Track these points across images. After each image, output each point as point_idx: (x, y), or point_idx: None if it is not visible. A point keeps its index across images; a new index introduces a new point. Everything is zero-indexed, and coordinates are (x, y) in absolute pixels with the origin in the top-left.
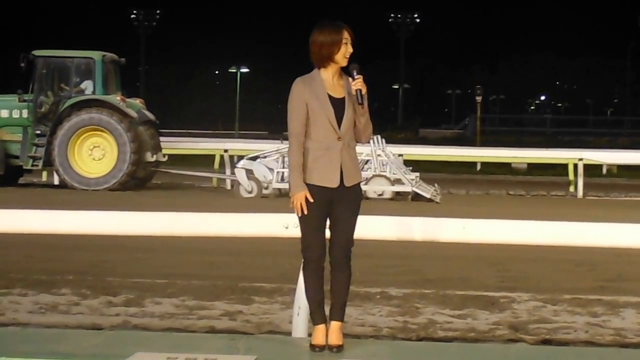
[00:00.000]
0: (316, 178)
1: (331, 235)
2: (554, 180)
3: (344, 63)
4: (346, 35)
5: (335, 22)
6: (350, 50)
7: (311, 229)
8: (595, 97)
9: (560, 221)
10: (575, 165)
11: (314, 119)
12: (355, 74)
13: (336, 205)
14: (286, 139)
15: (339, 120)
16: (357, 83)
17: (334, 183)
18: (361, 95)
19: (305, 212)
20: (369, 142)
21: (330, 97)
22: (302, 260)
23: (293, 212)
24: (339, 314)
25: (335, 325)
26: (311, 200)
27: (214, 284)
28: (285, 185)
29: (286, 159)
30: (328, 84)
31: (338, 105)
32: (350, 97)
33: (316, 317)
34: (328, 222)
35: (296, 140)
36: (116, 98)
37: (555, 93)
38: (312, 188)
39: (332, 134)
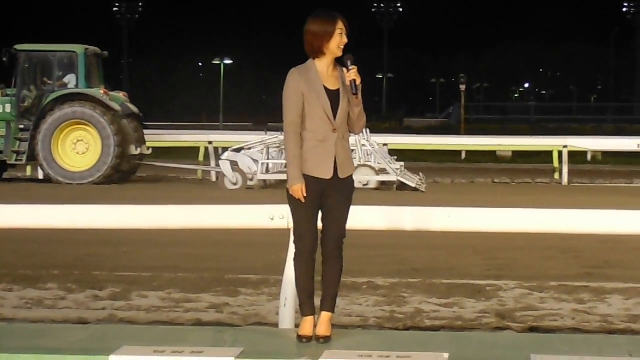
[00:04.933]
0: (310, 168)
1: (323, 226)
2: (539, 167)
3: (339, 53)
4: (341, 25)
5: (330, 12)
6: (345, 40)
7: (304, 220)
8: (579, 84)
9: (546, 208)
10: (560, 152)
11: (309, 110)
12: (349, 64)
13: (329, 196)
14: (271, 130)
15: (335, 111)
16: (352, 74)
17: (328, 174)
18: (356, 86)
19: (297, 204)
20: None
21: (325, 88)
22: (294, 251)
23: (278, 203)
24: (329, 305)
25: (325, 316)
26: (306, 190)
27: (200, 277)
28: (270, 177)
29: (271, 150)
30: (323, 75)
31: (333, 96)
32: (345, 88)
33: (306, 308)
34: (320, 214)
35: (293, 130)
36: (99, 91)
37: (539, 80)
38: (306, 178)
39: (327, 126)
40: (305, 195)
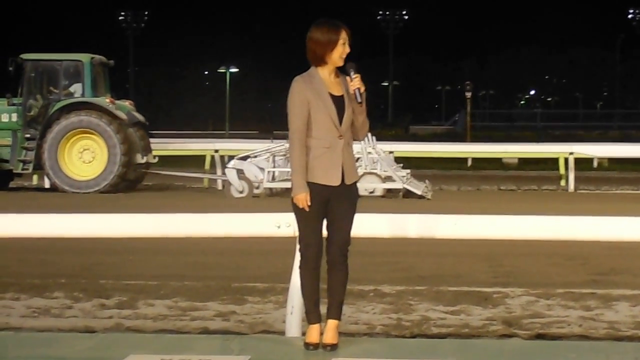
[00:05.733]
0: (318, 176)
1: (328, 233)
2: (545, 174)
3: (341, 63)
4: (344, 35)
5: (334, 21)
6: (348, 50)
7: (310, 227)
8: (585, 90)
9: (552, 215)
10: (566, 159)
11: (315, 117)
12: (352, 73)
13: (335, 203)
14: (277, 138)
15: (340, 118)
16: (356, 82)
17: (336, 181)
18: (360, 94)
19: (303, 212)
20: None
21: (331, 95)
22: (300, 260)
23: (285, 211)
24: (335, 313)
25: (331, 323)
26: (312, 199)
27: (206, 285)
28: (276, 185)
29: (277, 158)
30: (327, 81)
31: (338, 103)
32: (349, 96)
33: (312, 316)
34: (325, 221)
35: (298, 138)
36: (105, 100)
37: (545, 87)
38: (313, 186)
39: (333, 132)
40: (309, 204)
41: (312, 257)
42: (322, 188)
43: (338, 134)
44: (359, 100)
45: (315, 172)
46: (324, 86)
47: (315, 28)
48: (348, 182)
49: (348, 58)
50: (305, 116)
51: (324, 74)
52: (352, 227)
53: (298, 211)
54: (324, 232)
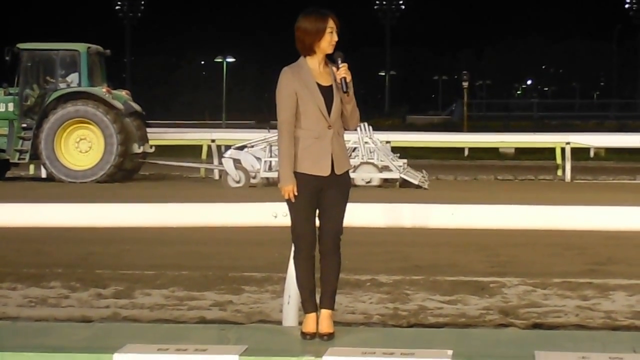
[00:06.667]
0: (307, 166)
1: (320, 223)
2: (541, 164)
3: (330, 50)
4: (331, 24)
5: (321, 10)
6: (336, 39)
7: (302, 217)
8: (582, 80)
9: (549, 205)
10: (563, 149)
11: (304, 108)
12: (339, 62)
13: (326, 193)
14: (273, 128)
15: (329, 108)
16: (342, 71)
17: (326, 171)
18: (346, 83)
19: (294, 202)
20: (356, 129)
21: (319, 85)
22: (293, 249)
23: (281, 201)
24: (329, 302)
25: (325, 313)
26: (302, 189)
27: (203, 275)
28: (273, 175)
29: (274, 148)
30: (315, 72)
31: (327, 93)
32: (337, 85)
33: (308, 305)
34: (317, 211)
35: (286, 129)
36: (102, 90)
37: (542, 77)
38: (303, 176)
39: (322, 123)
40: (296, 194)
41: (305, 247)
42: (311, 178)
43: (327, 124)
44: (345, 89)
45: (304, 163)
46: (311, 76)
47: (302, 17)
48: (338, 172)
49: (338, 47)
50: (293, 107)
51: (313, 63)
52: (348, 217)
53: (290, 202)
54: (317, 222)
